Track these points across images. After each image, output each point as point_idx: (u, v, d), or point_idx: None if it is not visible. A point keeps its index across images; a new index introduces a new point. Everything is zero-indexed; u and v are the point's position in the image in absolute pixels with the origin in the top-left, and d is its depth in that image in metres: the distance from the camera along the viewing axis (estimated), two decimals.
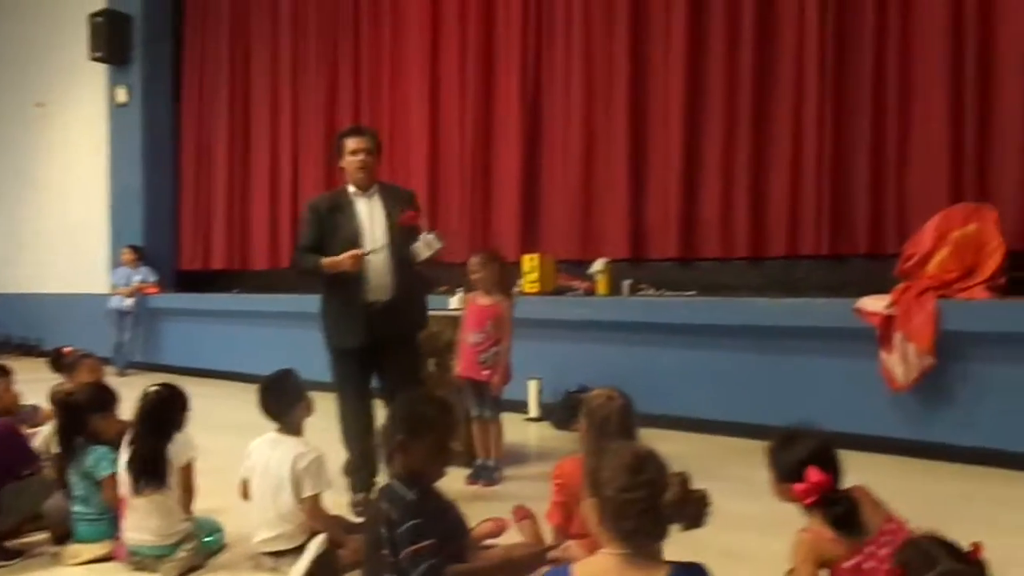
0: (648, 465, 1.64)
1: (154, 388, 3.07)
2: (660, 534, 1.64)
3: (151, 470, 2.93)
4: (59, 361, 4.24)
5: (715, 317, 5.32)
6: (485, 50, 7.16)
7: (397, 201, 3.83)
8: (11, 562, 3.10)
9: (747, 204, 5.74)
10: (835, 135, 5.38)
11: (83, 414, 3.22)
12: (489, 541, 3.01)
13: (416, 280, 3.87)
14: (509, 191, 6.98)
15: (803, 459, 2.03)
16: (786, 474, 2.07)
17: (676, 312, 5.53)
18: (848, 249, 5.40)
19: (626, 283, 6.16)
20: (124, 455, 3.01)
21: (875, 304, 4.62)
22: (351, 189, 3.84)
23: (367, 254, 3.65)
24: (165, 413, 3.03)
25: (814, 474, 1.98)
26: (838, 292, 5.09)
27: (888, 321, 4.55)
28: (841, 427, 4.66)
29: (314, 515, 2.91)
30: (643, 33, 6.26)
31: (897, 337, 4.50)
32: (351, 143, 3.81)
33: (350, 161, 3.80)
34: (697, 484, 1.69)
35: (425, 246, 3.65)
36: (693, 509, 1.61)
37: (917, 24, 5.12)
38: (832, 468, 2.04)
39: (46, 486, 3.32)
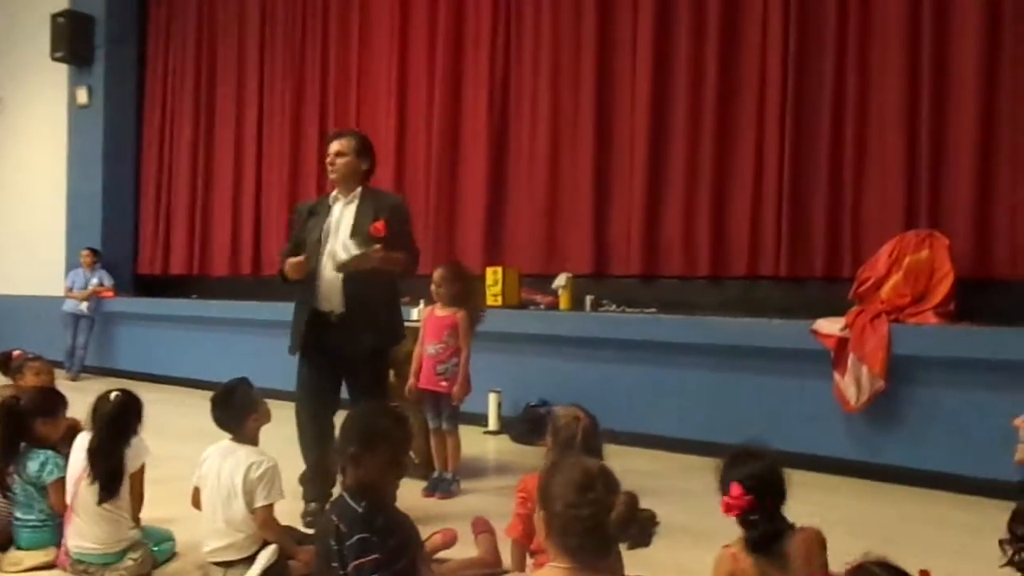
0: (597, 483, 1.64)
1: (113, 394, 3.00)
2: (605, 552, 1.65)
3: (113, 479, 2.87)
4: (6, 364, 4.13)
5: (675, 335, 5.38)
6: (453, 60, 7.19)
7: (376, 209, 3.69)
8: None
9: (709, 224, 5.83)
10: (795, 160, 5.49)
11: (28, 419, 3.13)
12: (441, 554, 3.00)
13: (378, 293, 3.72)
14: (475, 204, 6.99)
15: (737, 476, 2.04)
16: (721, 488, 2.09)
17: (637, 329, 5.58)
18: (806, 271, 5.51)
19: (588, 299, 6.21)
20: (78, 463, 2.93)
21: (830, 326, 4.72)
22: (333, 193, 3.80)
23: (303, 260, 3.57)
24: (124, 420, 2.96)
25: (735, 489, 1.99)
26: (795, 313, 5.18)
27: (843, 343, 4.64)
28: (795, 447, 4.75)
29: (266, 525, 2.86)
30: (609, 52, 6.34)
31: (851, 359, 4.59)
32: (328, 147, 3.78)
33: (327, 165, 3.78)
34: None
35: (342, 249, 3.51)
36: (639, 529, 1.61)
37: (875, 54, 5.26)
38: (768, 489, 2.02)
39: None
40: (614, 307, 6.15)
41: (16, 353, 4.13)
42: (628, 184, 6.21)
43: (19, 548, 3.06)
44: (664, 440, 5.37)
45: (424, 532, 2.41)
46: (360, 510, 2.16)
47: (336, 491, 2.55)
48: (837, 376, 4.66)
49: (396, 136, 7.52)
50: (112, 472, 2.87)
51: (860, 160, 5.31)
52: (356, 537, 2.10)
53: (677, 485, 4.30)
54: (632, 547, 1.65)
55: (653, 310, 5.95)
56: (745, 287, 5.83)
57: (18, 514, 3.08)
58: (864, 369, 4.53)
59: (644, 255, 6.08)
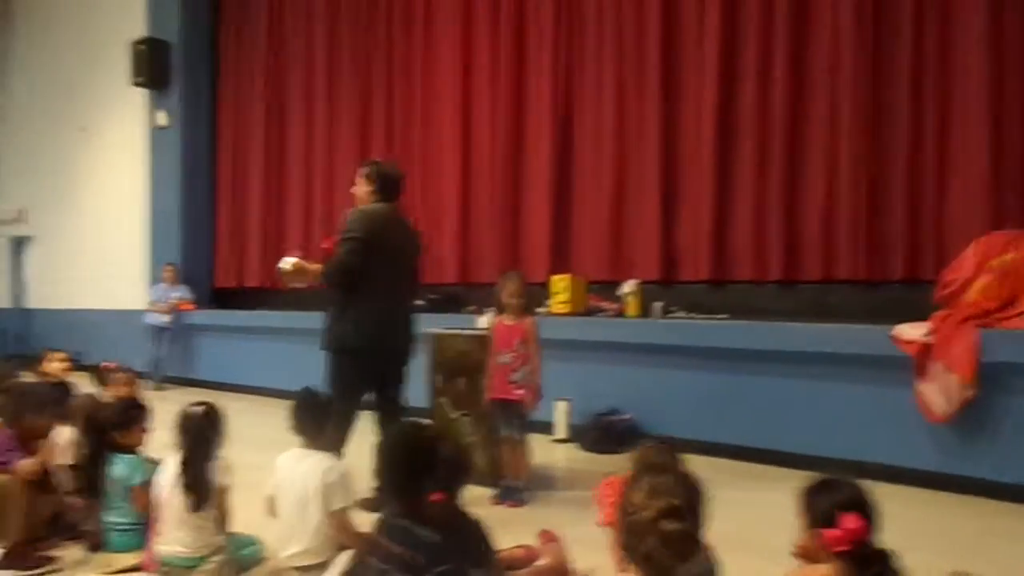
0: (645, 488, 1.67)
1: (198, 407, 3.10)
2: (653, 559, 1.62)
3: (204, 487, 2.98)
4: (100, 375, 4.37)
5: (748, 341, 5.26)
6: (517, 69, 7.22)
7: None
8: (37, 571, 3.14)
9: (780, 227, 5.69)
10: (872, 157, 5.32)
11: (114, 429, 3.28)
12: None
13: (329, 301, 4.20)
14: (539, 211, 6.99)
15: (839, 504, 1.90)
16: (819, 519, 1.94)
17: (708, 336, 5.48)
18: (884, 275, 5.32)
19: (657, 305, 6.13)
20: (168, 474, 3.04)
21: (912, 332, 4.53)
22: None
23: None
24: (212, 432, 3.07)
25: (850, 520, 1.84)
26: (874, 319, 5.00)
27: (926, 350, 4.45)
28: (873, 458, 4.61)
29: (342, 529, 2.91)
30: (675, 54, 6.27)
31: (936, 367, 4.41)
32: None
33: None
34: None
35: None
36: (657, 542, 1.59)
37: (956, 45, 5.07)
38: (867, 519, 1.89)
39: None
40: (683, 314, 6.05)
41: (108, 365, 4.36)
42: (696, 188, 6.12)
43: (110, 551, 3.19)
44: (735, 449, 5.25)
45: (494, 541, 2.39)
46: (436, 539, 2.13)
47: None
48: (920, 384, 4.48)
49: (461, 144, 7.59)
50: (203, 481, 2.98)
51: (942, 156, 5.11)
52: (440, 570, 2.09)
53: (751, 496, 4.20)
54: (670, 561, 1.62)
55: (724, 316, 5.83)
56: (819, 291, 5.67)
57: (109, 518, 3.22)
58: (952, 377, 4.34)
59: (713, 260, 5.98)
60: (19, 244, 13.18)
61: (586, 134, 6.80)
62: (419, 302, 4.81)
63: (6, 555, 3.19)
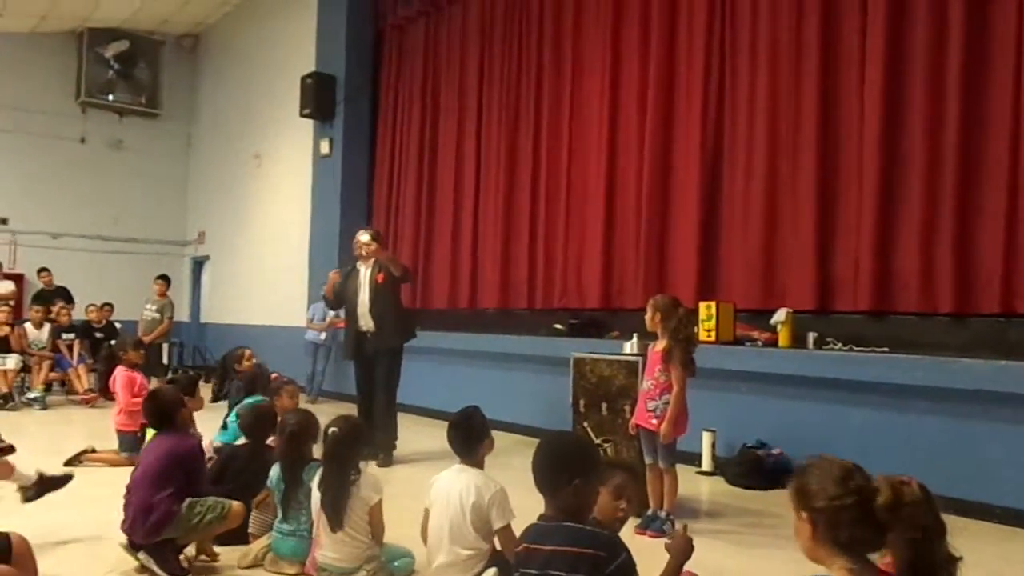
0: (855, 474, 1.61)
1: (334, 428, 3.17)
2: (878, 542, 1.58)
3: (340, 508, 3.09)
4: (267, 385, 4.67)
5: (911, 377, 4.92)
6: (666, 91, 7.15)
7: None
8: None
9: (952, 255, 5.26)
10: None
11: (309, 442, 3.49)
12: None
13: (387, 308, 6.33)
14: (687, 237, 6.86)
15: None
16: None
17: (867, 369, 5.17)
18: None
19: (811, 336, 5.84)
20: (316, 493, 3.22)
21: None
22: None
23: None
24: (350, 451, 3.17)
25: None
26: None
27: None
28: None
29: (507, 546, 2.93)
30: (834, 75, 5.98)
31: None
32: None
33: None
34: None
35: None
36: (910, 512, 1.53)
37: None
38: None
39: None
40: (840, 345, 5.74)
41: (274, 375, 4.66)
42: (856, 211, 5.78)
43: (277, 554, 3.41)
44: None
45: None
46: (607, 532, 2.21)
47: None
48: None
49: (606, 170, 7.60)
50: (340, 502, 3.08)
51: None
52: (620, 561, 2.14)
53: None
54: (910, 541, 1.54)
55: (885, 349, 5.47)
56: (996, 326, 5.19)
57: (287, 524, 3.43)
58: None
59: (874, 289, 5.62)
60: (199, 264, 14.48)
61: (737, 155, 6.60)
62: None
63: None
